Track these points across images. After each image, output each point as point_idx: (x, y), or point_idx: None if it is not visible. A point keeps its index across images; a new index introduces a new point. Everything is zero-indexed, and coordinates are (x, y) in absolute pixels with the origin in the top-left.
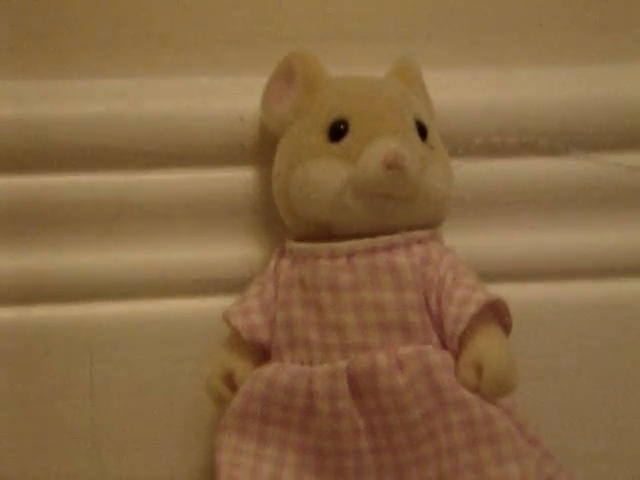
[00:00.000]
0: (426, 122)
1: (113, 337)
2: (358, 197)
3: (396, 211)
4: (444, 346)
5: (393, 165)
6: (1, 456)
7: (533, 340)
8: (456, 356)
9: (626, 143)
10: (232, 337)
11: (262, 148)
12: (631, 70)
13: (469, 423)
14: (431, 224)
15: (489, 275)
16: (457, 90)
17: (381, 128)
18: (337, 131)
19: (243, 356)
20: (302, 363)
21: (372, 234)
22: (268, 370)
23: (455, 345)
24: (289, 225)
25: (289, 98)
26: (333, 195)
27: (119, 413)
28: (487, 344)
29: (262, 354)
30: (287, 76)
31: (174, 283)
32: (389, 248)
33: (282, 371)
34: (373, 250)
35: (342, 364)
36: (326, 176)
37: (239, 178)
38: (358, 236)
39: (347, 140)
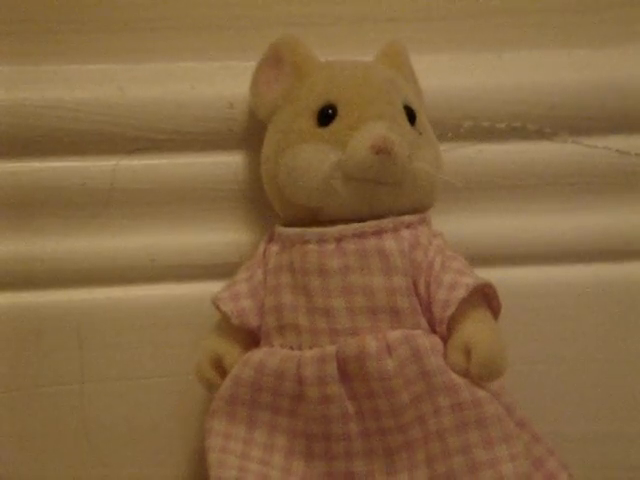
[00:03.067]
0: (415, 107)
1: (103, 322)
2: (347, 182)
3: (385, 196)
4: (433, 330)
5: (382, 150)
6: None
7: (522, 324)
8: (445, 340)
9: (615, 127)
10: (221, 322)
11: (251, 133)
12: (620, 54)
13: (458, 407)
14: (420, 208)
15: (478, 259)
16: (446, 74)
17: (370, 113)
18: (326, 116)
19: (232, 341)
20: (291, 348)
21: (361, 219)
22: (257, 355)
23: (444, 329)
24: (278, 210)
25: (278, 83)
26: (322, 180)
27: (109, 398)
28: (476, 328)
29: (251, 339)
30: (275, 61)
31: (163, 268)
32: (378, 233)
33: (271, 356)
34: (362, 235)
35: (331, 349)
36: (315, 161)
37: (228, 163)
38: (347, 221)
39: (336, 125)
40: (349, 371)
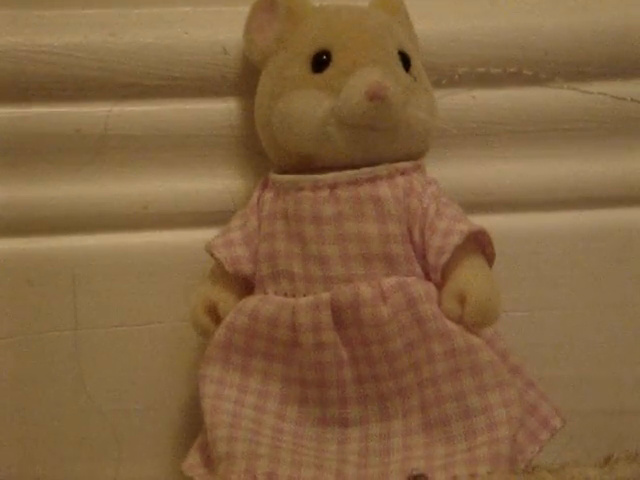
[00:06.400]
0: (409, 52)
1: (96, 269)
2: (341, 128)
3: (379, 142)
4: (427, 277)
5: (376, 96)
6: None
7: (516, 270)
8: (439, 287)
9: (611, 72)
10: (215, 269)
11: (245, 79)
12: None
13: (452, 353)
14: (414, 155)
15: (472, 206)
16: (441, 20)
17: (364, 58)
18: (320, 62)
19: (226, 288)
20: (285, 295)
21: (355, 165)
22: (251, 302)
23: (438, 276)
24: (272, 157)
25: (271, 28)
26: (316, 126)
27: (103, 344)
28: (470, 275)
29: (245, 286)
30: (269, 6)
31: (157, 215)
32: (372, 180)
33: (265, 303)
34: (356, 182)
35: (325, 296)
36: (309, 107)
37: (221, 109)
38: (341, 168)
39: (330, 71)
40: (343, 318)
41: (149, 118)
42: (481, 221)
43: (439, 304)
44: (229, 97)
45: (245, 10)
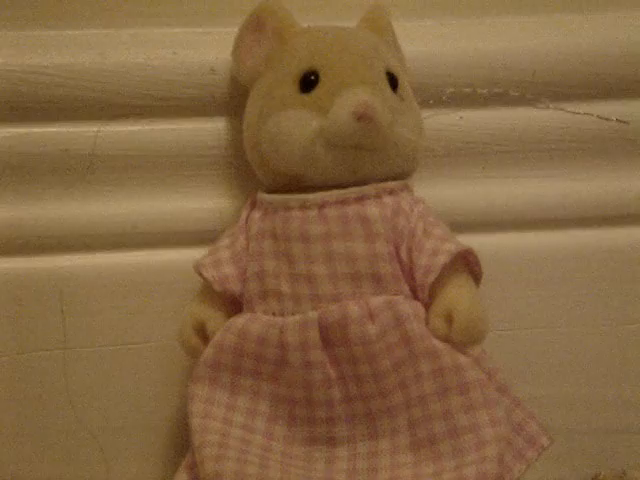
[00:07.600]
0: (397, 73)
1: (85, 288)
2: (329, 148)
3: (367, 162)
4: (415, 297)
5: (364, 116)
6: None
7: (503, 290)
8: (427, 306)
9: (596, 92)
10: (204, 289)
11: (233, 99)
12: (601, 20)
13: (439, 372)
14: (402, 175)
15: (460, 225)
16: (428, 41)
17: (352, 79)
18: (308, 82)
19: (215, 307)
20: (274, 314)
21: (343, 185)
22: (240, 321)
23: (426, 295)
24: (260, 176)
25: (260, 49)
26: (304, 146)
27: (92, 363)
28: (457, 294)
29: (234, 305)
30: (257, 27)
31: (145, 234)
32: (360, 199)
33: (254, 322)
34: (344, 201)
35: (313, 315)
36: (297, 127)
37: (210, 129)
38: (329, 187)
39: (318, 91)
40: (331, 337)
41: (137, 138)
42: (468, 240)
43: (426, 323)
44: (217, 117)
45: (233, 31)
